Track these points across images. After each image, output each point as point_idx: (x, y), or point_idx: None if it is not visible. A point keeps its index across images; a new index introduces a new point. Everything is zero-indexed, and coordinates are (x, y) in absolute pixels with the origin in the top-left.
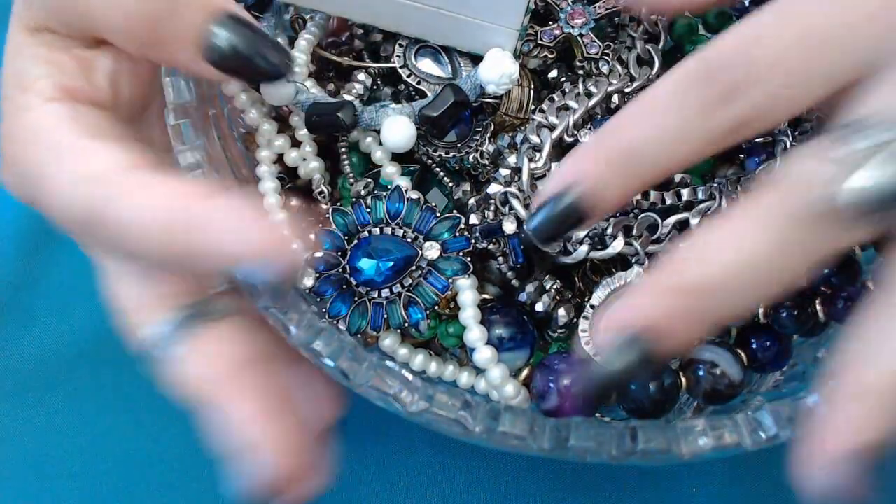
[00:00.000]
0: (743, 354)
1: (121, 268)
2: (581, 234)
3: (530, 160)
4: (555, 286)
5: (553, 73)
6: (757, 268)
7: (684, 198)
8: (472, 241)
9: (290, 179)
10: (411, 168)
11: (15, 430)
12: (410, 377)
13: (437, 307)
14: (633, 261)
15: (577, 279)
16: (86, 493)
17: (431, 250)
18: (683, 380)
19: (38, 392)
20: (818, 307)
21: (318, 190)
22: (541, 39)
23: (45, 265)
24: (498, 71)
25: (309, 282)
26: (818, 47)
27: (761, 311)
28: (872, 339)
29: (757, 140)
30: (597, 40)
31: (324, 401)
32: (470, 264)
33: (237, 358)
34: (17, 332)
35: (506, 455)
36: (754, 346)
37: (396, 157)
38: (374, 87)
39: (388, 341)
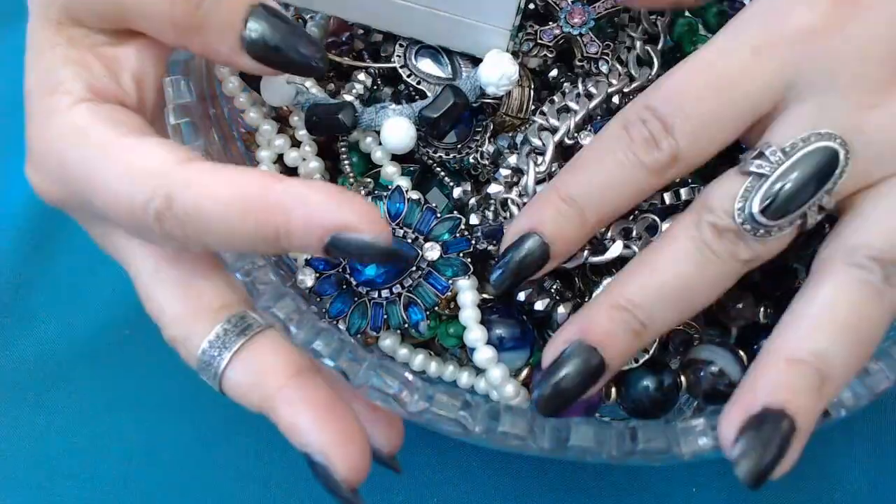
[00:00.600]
0: (743, 354)
1: (157, 272)
2: None
3: (535, 164)
4: (555, 286)
5: (553, 73)
6: (677, 286)
7: (683, 197)
8: (473, 242)
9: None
10: (411, 168)
11: (15, 429)
12: (411, 377)
13: (437, 308)
14: None
15: (577, 279)
16: (86, 493)
17: (432, 251)
18: (683, 379)
19: (38, 392)
20: None
21: None
22: (540, 39)
23: (45, 265)
24: (498, 72)
25: (309, 281)
26: (721, 92)
27: (762, 311)
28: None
29: None
30: (596, 40)
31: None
32: (470, 265)
33: (290, 366)
34: (17, 332)
35: (506, 455)
36: (755, 346)
37: (396, 157)
38: (375, 88)
39: (389, 341)
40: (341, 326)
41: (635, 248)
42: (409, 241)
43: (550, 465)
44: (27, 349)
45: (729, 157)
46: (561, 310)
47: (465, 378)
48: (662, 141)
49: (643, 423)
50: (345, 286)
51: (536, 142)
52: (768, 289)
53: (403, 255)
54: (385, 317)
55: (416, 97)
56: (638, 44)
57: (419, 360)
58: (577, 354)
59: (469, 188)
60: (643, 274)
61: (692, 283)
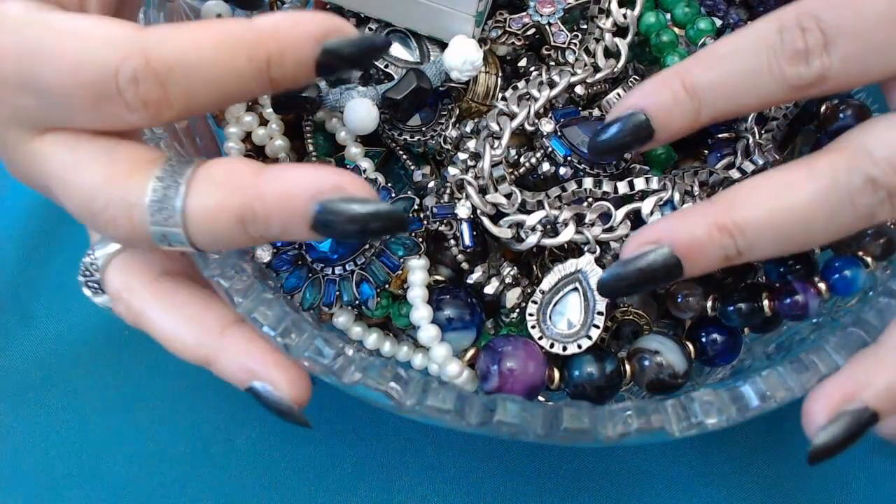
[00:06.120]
0: (691, 346)
1: (77, 150)
2: (532, 221)
3: (491, 147)
4: (512, 272)
5: (523, 62)
6: (796, 221)
7: (637, 187)
8: (426, 222)
9: (258, 157)
10: (376, 150)
11: (15, 430)
12: (347, 349)
13: (389, 286)
14: (586, 249)
15: (535, 267)
16: (86, 492)
17: None
18: (628, 367)
19: (38, 392)
20: (764, 302)
21: None
22: (509, 27)
23: (45, 265)
24: (461, 57)
25: (266, 256)
26: None
27: (709, 303)
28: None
29: (720, 136)
30: (564, 29)
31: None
32: (422, 245)
33: (155, 269)
34: (17, 332)
35: (505, 455)
36: (704, 339)
37: (363, 140)
38: None
39: (342, 318)
40: (297, 302)
41: (587, 234)
42: None
43: (550, 465)
44: (27, 349)
45: (693, 152)
46: (509, 294)
47: (418, 360)
48: (815, 58)
49: (570, 404)
50: (300, 262)
51: (494, 126)
52: (722, 280)
53: (384, 41)
54: (337, 293)
55: (385, 80)
56: (607, 36)
57: (373, 338)
58: (659, 259)
59: (428, 171)
60: (764, 197)
61: (812, 225)
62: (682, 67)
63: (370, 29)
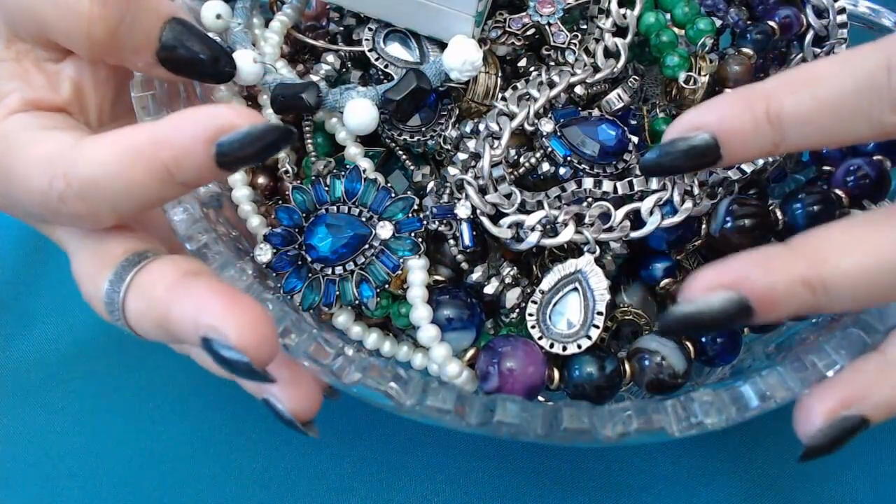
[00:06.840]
0: (690, 346)
1: (77, 247)
2: (532, 221)
3: (490, 147)
4: (511, 272)
5: (523, 62)
6: (882, 282)
7: (637, 187)
8: (425, 223)
9: None
10: (376, 150)
11: (15, 430)
12: (348, 349)
13: (389, 286)
14: (585, 249)
15: (535, 267)
16: (86, 493)
17: (384, 230)
18: (628, 368)
19: (38, 392)
20: None
21: (283, 169)
22: (509, 27)
23: (45, 265)
24: (461, 57)
25: (266, 257)
26: None
27: None
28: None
29: None
30: (564, 29)
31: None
32: (421, 245)
33: (178, 272)
34: (17, 332)
35: (505, 455)
36: (703, 339)
37: (362, 140)
38: (344, 70)
39: (342, 318)
40: (297, 302)
41: (587, 234)
42: (364, 219)
43: (550, 465)
44: (27, 349)
45: None
46: (509, 294)
47: (418, 360)
48: None
49: (570, 404)
50: (300, 262)
51: (494, 126)
52: None
53: (283, 131)
54: (337, 293)
55: (385, 80)
56: (607, 36)
57: (373, 338)
58: (730, 308)
59: (428, 172)
60: (856, 253)
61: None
62: (770, 89)
63: (370, 29)
